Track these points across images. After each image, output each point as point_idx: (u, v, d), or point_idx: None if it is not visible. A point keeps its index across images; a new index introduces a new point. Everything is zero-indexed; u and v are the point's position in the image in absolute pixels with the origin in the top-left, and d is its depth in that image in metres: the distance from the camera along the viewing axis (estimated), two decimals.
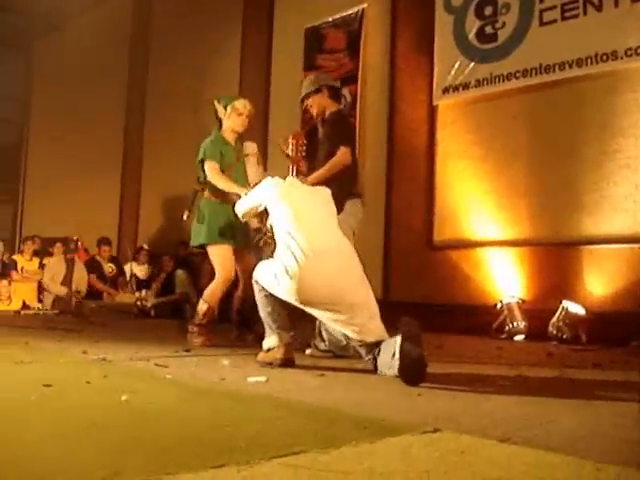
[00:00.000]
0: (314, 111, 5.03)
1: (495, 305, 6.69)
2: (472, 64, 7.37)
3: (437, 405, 2.67)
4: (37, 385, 2.77)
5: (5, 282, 9.96)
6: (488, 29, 7.31)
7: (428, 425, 2.15)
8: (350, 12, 8.65)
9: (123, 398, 2.52)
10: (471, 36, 7.43)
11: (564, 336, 5.98)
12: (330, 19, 8.88)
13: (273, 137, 9.57)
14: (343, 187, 4.55)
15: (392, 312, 7.38)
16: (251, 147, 7.40)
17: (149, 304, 8.95)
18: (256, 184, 4.18)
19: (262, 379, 3.09)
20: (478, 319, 6.68)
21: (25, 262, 10.64)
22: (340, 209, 4.32)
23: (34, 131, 15.87)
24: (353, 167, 4.81)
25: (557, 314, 6.09)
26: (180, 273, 9.09)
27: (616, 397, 2.95)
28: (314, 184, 4.20)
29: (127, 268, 10.34)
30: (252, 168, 7.20)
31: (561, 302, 6.11)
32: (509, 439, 2.00)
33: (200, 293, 5.23)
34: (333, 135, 4.80)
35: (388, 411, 2.45)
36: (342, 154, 4.67)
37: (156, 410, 2.42)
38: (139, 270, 10.29)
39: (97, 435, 1.99)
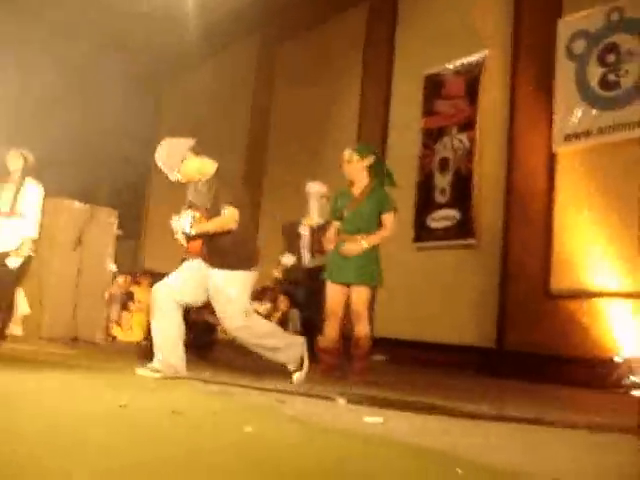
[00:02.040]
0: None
1: (612, 358, 6.50)
2: (594, 111, 7.27)
3: (557, 454, 2.65)
4: (166, 413, 2.93)
5: (127, 313, 10.42)
6: (611, 77, 7.21)
7: (548, 474, 2.16)
8: (471, 59, 8.72)
9: (247, 429, 2.64)
10: (593, 83, 7.34)
11: None
12: (451, 66, 8.97)
13: None
14: None
15: (506, 361, 7.35)
16: (312, 187, 7.67)
17: None
18: None
19: (379, 420, 3.15)
20: (595, 372, 6.49)
21: (142, 293, 11.05)
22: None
23: (156, 170, 16.65)
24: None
25: None
26: (294, 312, 9.27)
27: None
28: None
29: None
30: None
31: None
32: None
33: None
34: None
35: (509, 457, 2.46)
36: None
37: (281, 443, 2.52)
38: (263, 309, 10.53)
39: (233, 461, 2.10)
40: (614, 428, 3.51)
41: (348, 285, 5.36)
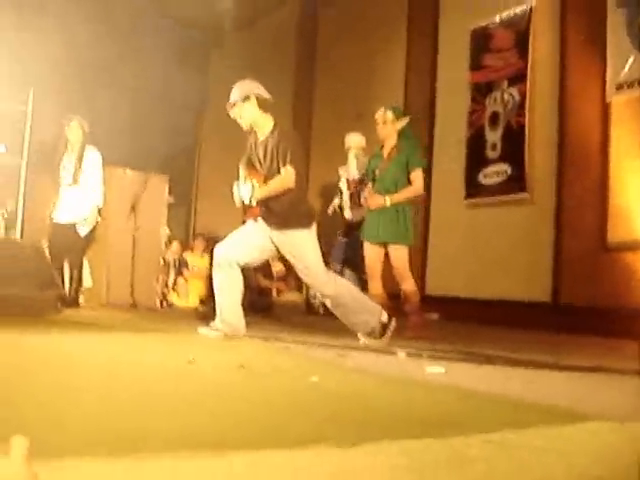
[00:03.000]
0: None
1: None
2: None
3: (619, 398, 2.66)
4: (232, 367, 3.01)
5: (181, 279, 10.59)
6: None
7: (613, 414, 2.17)
8: (518, 10, 8.54)
9: (313, 379, 2.71)
10: None
11: None
12: (497, 18, 8.81)
13: (439, 140, 9.63)
14: None
15: (563, 316, 7.30)
16: (350, 138, 7.69)
17: (317, 301, 9.24)
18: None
19: (440, 370, 3.19)
20: None
21: (195, 259, 11.17)
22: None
23: (206, 139, 16.81)
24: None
25: None
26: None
27: None
28: None
29: None
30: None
31: None
32: None
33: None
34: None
35: (570, 401, 2.48)
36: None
37: (345, 392, 2.58)
38: (277, 270, 10.58)
39: (299, 408, 2.17)
40: None
41: (383, 244, 5.38)
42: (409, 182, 5.38)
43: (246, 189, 4.61)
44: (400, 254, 5.32)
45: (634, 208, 7.00)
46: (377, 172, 5.46)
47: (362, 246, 5.58)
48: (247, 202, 4.61)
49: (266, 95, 4.82)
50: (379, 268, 5.46)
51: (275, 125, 4.78)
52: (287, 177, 4.58)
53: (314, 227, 4.68)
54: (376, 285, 5.44)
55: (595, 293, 7.14)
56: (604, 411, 2.26)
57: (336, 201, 8.04)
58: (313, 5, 13.01)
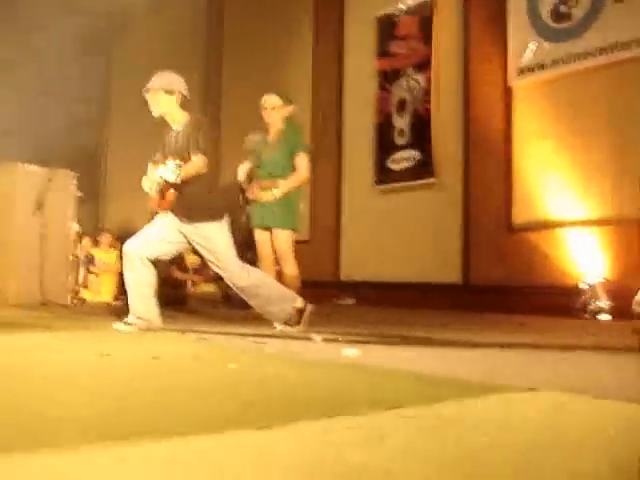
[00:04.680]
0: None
1: (577, 285, 6.68)
2: (547, 44, 7.34)
3: (529, 370, 2.77)
4: (147, 359, 2.98)
5: (93, 275, 10.36)
6: (563, 8, 7.26)
7: (524, 385, 2.26)
8: None
9: (230, 366, 2.71)
10: (545, 16, 7.39)
11: None
12: (402, 6, 8.95)
13: (348, 126, 9.72)
14: None
15: (472, 295, 7.52)
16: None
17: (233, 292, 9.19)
18: None
19: (356, 352, 3.23)
20: (560, 300, 6.67)
21: (102, 254, 10.93)
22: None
23: (113, 133, 16.47)
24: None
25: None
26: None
27: None
28: None
29: None
30: None
31: None
32: (603, 396, 2.10)
33: None
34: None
35: (483, 375, 2.57)
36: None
37: (264, 376, 2.59)
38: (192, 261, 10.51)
39: (217, 394, 2.16)
40: (581, 347, 3.66)
41: (270, 229, 5.38)
42: (293, 167, 5.37)
43: (172, 168, 4.54)
44: (282, 238, 5.30)
45: (536, 190, 7.26)
46: (263, 157, 5.44)
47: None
48: (173, 179, 4.54)
49: (188, 94, 4.81)
50: (270, 252, 5.44)
51: (190, 119, 4.76)
52: (199, 162, 4.58)
53: (225, 219, 4.66)
54: (267, 270, 5.41)
55: (503, 273, 7.37)
56: (514, 383, 2.35)
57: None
58: None
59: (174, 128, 4.81)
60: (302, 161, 5.34)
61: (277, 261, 5.32)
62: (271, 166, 5.32)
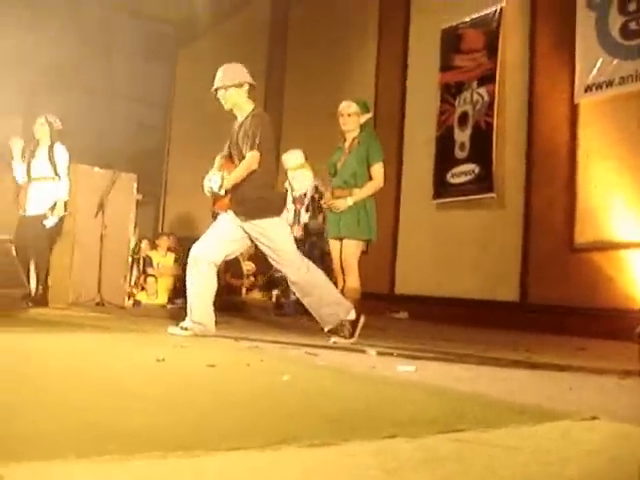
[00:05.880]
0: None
1: (634, 309, 6.48)
2: (616, 61, 7.16)
3: (589, 397, 2.68)
4: (202, 366, 2.99)
5: (151, 278, 10.49)
6: (632, 25, 7.09)
7: (585, 413, 2.18)
8: (488, 11, 8.60)
9: (284, 378, 2.69)
10: (614, 32, 7.22)
11: None
12: (467, 19, 8.87)
13: (408, 139, 9.67)
14: None
15: (530, 314, 7.37)
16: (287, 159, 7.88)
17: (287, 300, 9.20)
18: None
19: (412, 368, 3.19)
20: (622, 323, 6.48)
21: (160, 257, 11.03)
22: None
23: (175, 136, 16.71)
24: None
25: None
26: None
27: None
28: None
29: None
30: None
31: None
32: None
33: None
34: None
35: (541, 400, 2.50)
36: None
37: (317, 389, 2.57)
38: (247, 269, 10.56)
39: (271, 406, 2.15)
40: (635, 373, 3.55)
41: (342, 239, 5.32)
42: (369, 175, 5.31)
43: (216, 179, 4.65)
44: (350, 249, 5.24)
45: (600, 209, 7.09)
46: (338, 165, 5.40)
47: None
48: (216, 191, 4.64)
49: (254, 83, 4.95)
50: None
51: (254, 109, 4.86)
52: (251, 160, 4.65)
53: (285, 214, 4.72)
54: (341, 280, 5.38)
55: (562, 293, 7.21)
56: (574, 409, 2.28)
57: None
58: (284, 4, 12.99)
59: (239, 119, 4.89)
60: (378, 170, 5.29)
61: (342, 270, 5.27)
62: (347, 174, 5.28)
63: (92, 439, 1.57)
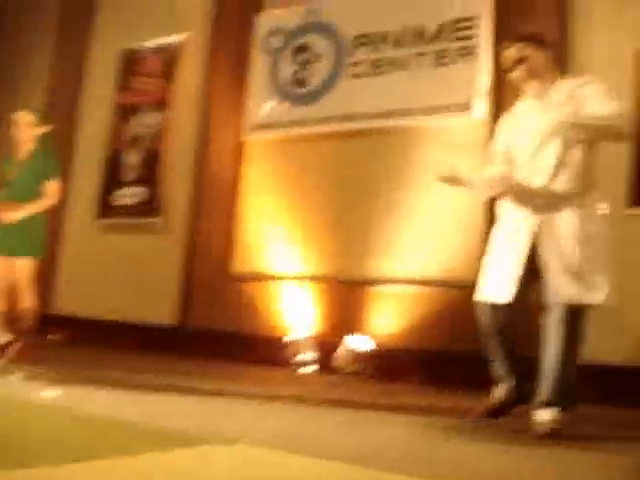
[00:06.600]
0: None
1: (282, 338, 6.93)
2: (285, 105, 7.67)
3: (234, 421, 2.82)
4: None
5: None
6: (301, 74, 7.64)
7: (227, 437, 2.29)
8: (171, 39, 8.70)
9: None
10: (285, 79, 7.73)
11: (347, 369, 6.34)
12: (149, 44, 8.87)
13: (79, 156, 9.33)
14: None
15: (189, 340, 7.51)
16: None
17: None
18: None
19: (57, 393, 3.08)
20: (278, 351, 6.86)
21: None
22: None
23: None
24: None
25: (339, 348, 6.46)
26: None
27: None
28: None
29: None
30: None
31: (345, 337, 6.48)
32: (298, 451, 2.19)
33: None
34: None
35: (187, 424, 2.56)
36: None
37: None
38: None
39: None
40: (283, 398, 3.81)
41: (11, 257, 5.05)
42: (41, 191, 5.08)
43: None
44: (26, 268, 4.99)
45: (258, 242, 7.50)
46: (9, 176, 5.09)
47: None
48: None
49: None
50: (7, 282, 5.07)
51: None
52: None
53: None
54: (2, 301, 5.05)
55: (222, 320, 7.46)
56: (216, 434, 2.38)
57: None
58: None
59: None
60: (52, 187, 5.05)
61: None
62: (19, 188, 4.95)
63: None
